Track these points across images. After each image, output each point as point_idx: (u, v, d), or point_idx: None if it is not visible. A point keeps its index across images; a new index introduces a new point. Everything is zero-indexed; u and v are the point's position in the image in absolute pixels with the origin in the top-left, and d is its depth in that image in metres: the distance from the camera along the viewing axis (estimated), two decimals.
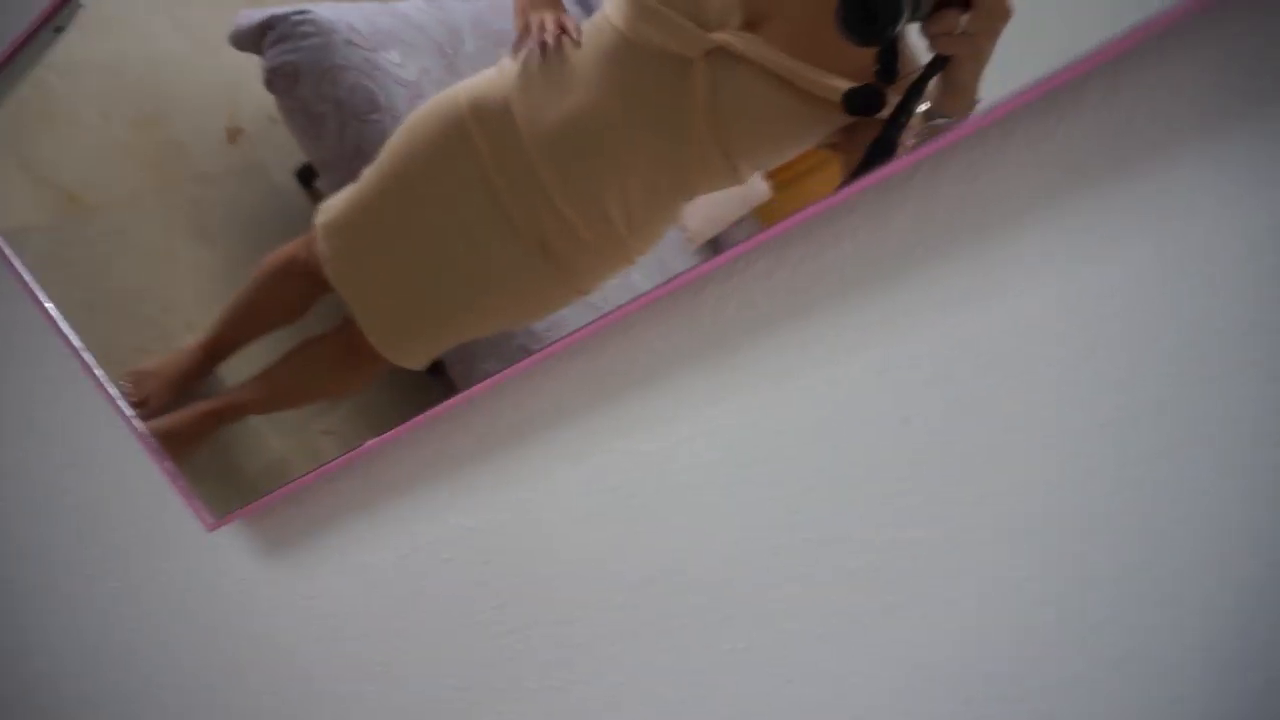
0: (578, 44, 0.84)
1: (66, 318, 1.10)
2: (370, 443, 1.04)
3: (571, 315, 0.95)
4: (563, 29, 0.84)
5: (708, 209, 1.11)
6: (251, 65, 1.00)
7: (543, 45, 0.84)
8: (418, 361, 1.03)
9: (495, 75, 0.90)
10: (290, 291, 1.07)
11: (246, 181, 1.07)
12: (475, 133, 0.90)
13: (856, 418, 0.86)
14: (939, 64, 0.68)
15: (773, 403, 0.89)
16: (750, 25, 0.77)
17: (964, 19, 0.65)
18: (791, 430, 0.89)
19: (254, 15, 0.96)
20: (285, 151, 1.13)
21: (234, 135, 1.07)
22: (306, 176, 1.15)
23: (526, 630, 1.09)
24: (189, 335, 1.09)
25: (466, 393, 0.98)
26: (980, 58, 0.67)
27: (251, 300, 1.08)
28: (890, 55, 0.69)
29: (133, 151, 1.04)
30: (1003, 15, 0.66)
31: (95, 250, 1.04)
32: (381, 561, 1.15)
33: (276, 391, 1.09)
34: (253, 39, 0.97)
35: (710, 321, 0.90)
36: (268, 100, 1.01)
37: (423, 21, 1.08)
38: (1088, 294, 0.76)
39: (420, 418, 1.01)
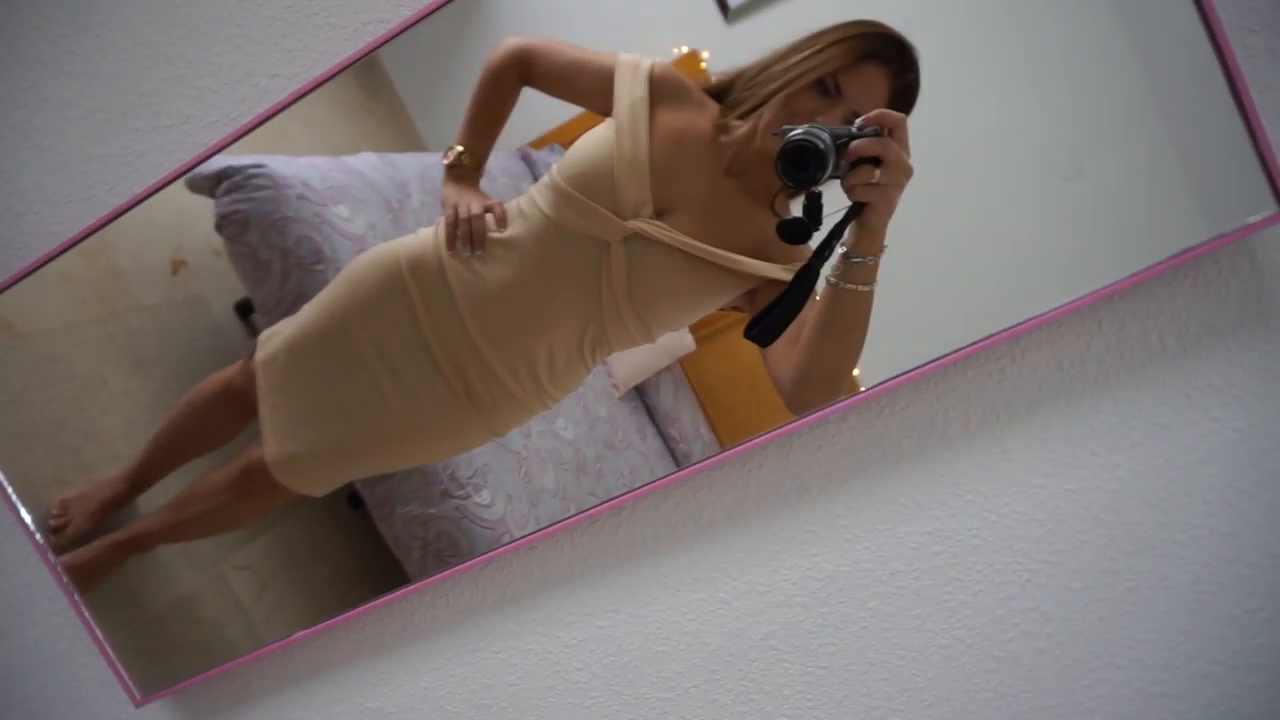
0: (502, 225, 0.96)
1: None
2: (298, 634, 1.07)
3: (512, 518, 1.03)
4: (488, 210, 0.96)
5: (634, 359, 1.17)
6: (201, 202, 1.04)
7: (469, 242, 0.96)
8: (318, 489, 1.07)
9: (432, 236, 0.99)
10: (220, 417, 1.10)
11: (185, 312, 1.10)
12: (412, 288, 0.99)
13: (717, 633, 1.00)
14: (856, 210, 0.82)
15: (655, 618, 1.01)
16: (660, 213, 0.92)
17: (877, 173, 0.80)
18: (668, 640, 0.99)
19: (212, 165, 1.01)
20: (226, 285, 1.16)
21: (177, 267, 1.10)
22: (246, 310, 1.18)
23: None
24: (113, 466, 1.08)
25: (398, 592, 1.04)
26: (890, 205, 0.82)
27: (180, 425, 1.10)
28: (816, 202, 0.82)
29: (75, 280, 1.06)
30: (906, 172, 0.82)
31: (24, 377, 1.04)
32: None
33: (180, 520, 1.11)
34: (208, 184, 1.02)
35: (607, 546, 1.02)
36: (213, 236, 1.05)
37: (374, 178, 1.15)
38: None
39: (363, 608, 1.06)
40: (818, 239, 0.83)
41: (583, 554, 1.03)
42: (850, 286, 0.85)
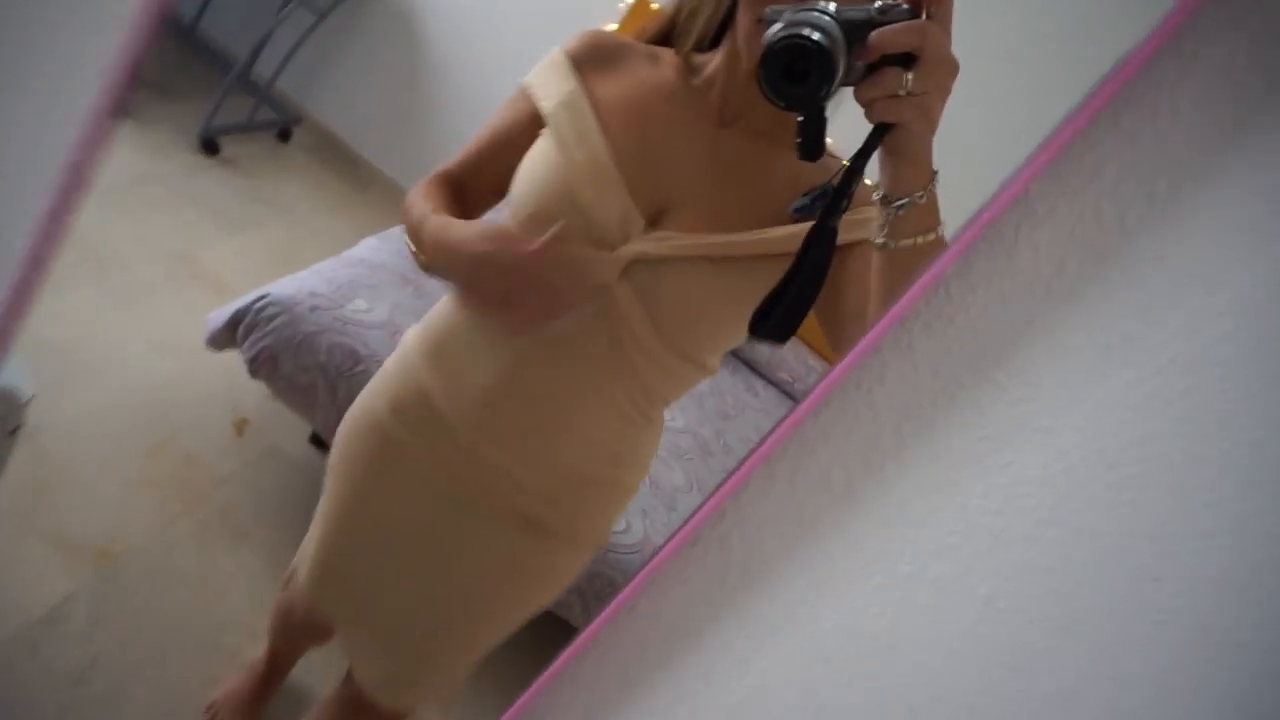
0: None
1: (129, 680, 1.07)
2: None
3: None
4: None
5: None
6: (234, 360, 1.01)
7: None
8: (426, 700, 0.89)
9: (398, 369, 0.77)
10: (302, 636, 0.98)
11: (264, 467, 1.07)
12: (403, 437, 0.75)
13: None
14: (880, 134, 0.56)
15: None
16: (655, 220, 0.66)
17: (909, 77, 0.53)
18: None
19: (221, 314, 0.98)
20: (291, 424, 1.14)
21: (241, 427, 1.08)
22: (320, 441, 1.14)
23: None
24: (254, 643, 1.06)
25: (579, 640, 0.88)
26: (932, 123, 0.55)
27: (275, 644, 1.00)
28: (816, 126, 0.58)
29: (148, 483, 1.05)
30: (952, 70, 0.55)
31: (137, 596, 1.03)
32: None
33: None
34: (226, 336, 0.98)
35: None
36: (261, 383, 1.02)
37: (380, 259, 1.10)
38: None
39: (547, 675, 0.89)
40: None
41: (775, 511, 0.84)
42: (907, 242, 0.58)
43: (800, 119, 0.57)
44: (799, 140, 0.58)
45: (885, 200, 0.57)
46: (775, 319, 0.63)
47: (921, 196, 0.57)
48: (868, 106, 0.54)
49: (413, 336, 0.76)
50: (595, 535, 0.81)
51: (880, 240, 0.58)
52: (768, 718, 0.85)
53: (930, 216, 0.58)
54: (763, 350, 1.44)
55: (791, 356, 1.43)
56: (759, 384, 1.42)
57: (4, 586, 0.96)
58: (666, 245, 0.66)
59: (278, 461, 1.06)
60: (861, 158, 0.57)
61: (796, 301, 0.62)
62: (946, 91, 0.55)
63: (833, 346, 0.71)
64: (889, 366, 0.69)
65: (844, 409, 0.70)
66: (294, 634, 0.97)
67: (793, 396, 1.23)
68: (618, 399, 0.71)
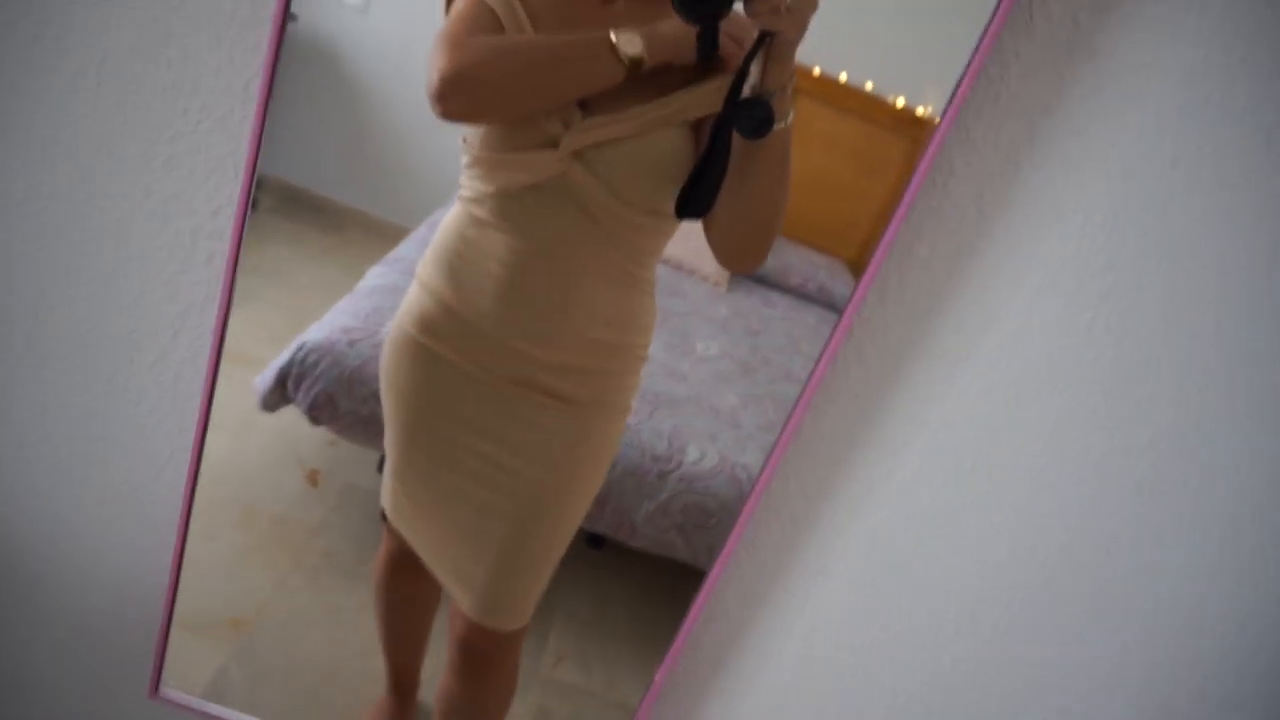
0: None
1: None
2: (659, 673, 1.00)
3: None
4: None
5: (708, 252, 1.12)
6: (282, 416, 1.04)
7: None
8: (526, 613, 1.00)
9: (418, 291, 0.92)
10: (410, 589, 1.07)
11: (348, 506, 1.12)
12: (434, 345, 0.92)
13: None
14: (764, 39, 0.72)
15: None
16: (586, 106, 0.81)
17: None
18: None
19: (266, 377, 1.01)
20: (358, 458, 1.17)
21: (313, 478, 1.12)
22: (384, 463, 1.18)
23: None
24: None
25: (712, 573, 0.95)
26: (802, 31, 0.72)
27: (389, 617, 1.09)
28: (711, 35, 0.74)
29: (249, 552, 1.09)
30: None
31: (281, 652, 1.08)
32: None
33: None
34: (277, 395, 1.01)
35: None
36: (315, 431, 1.05)
37: (391, 282, 1.13)
38: None
39: (696, 606, 0.96)
40: None
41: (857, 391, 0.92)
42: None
43: (699, 30, 0.74)
44: (698, 46, 0.75)
45: (756, 92, 0.73)
46: (694, 195, 0.80)
47: (785, 90, 0.74)
48: (755, 17, 0.71)
49: (423, 264, 0.92)
50: (621, 401, 0.95)
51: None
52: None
53: (786, 107, 0.75)
54: (768, 264, 1.47)
55: (797, 260, 1.47)
56: (774, 295, 1.46)
57: (169, 672, 1.01)
58: (599, 128, 0.80)
59: (357, 496, 1.10)
60: (749, 58, 0.73)
61: (710, 178, 0.78)
62: (815, 7, 0.71)
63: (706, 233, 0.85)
64: (955, 158, 0.80)
65: (928, 205, 0.81)
66: (398, 585, 1.05)
67: (808, 297, 1.26)
68: (608, 267, 0.87)
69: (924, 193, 0.81)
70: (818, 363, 0.85)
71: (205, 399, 0.93)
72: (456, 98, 0.79)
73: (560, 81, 0.80)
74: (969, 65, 0.73)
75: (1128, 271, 0.82)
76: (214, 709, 1.07)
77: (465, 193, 0.88)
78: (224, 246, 0.91)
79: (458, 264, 0.89)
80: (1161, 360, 0.85)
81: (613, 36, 0.76)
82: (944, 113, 0.75)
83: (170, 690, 1.08)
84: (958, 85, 0.74)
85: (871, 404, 0.90)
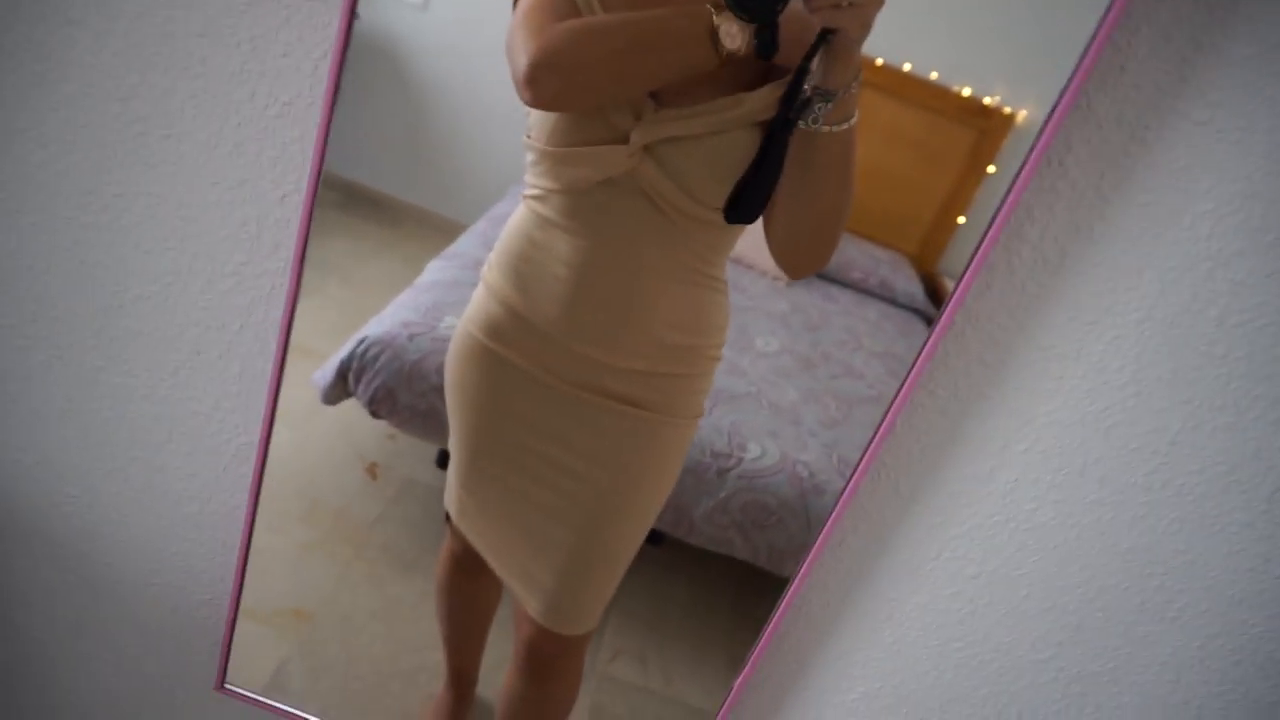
0: None
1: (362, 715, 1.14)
2: (740, 679, 0.97)
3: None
4: None
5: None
6: (343, 410, 1.06)
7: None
8: (594, 618, 0.99)
9: (484, 295, 0.91)
10: (471, 589, 1.07)
11: (407, 500, 1.12)
12: (500, 350, 0.91)
13: None
14: (824, 38, 0.70)
15: None
16: (657, 99, 0.78)
17: None
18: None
19: (327, 371, 1.02)
20: (418, 453, 1.18)
21: (373, 471, 1.13)
22: (444, 459, 1.19)
23: None
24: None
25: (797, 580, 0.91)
26: (866, 28, 0.69)
27: (449, 615, 1.09)
28: (771, 33, 0.71)
29: (313, 545, 1.11)
30: None
31: (342, 644, 1.09)
32: None
33: None
34: (339, 389, 1.03)
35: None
36: (375, 425, 1.06)
37: (450, 276, 1.13)
38: None
39: (779, 612, 0.92)
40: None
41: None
42: (827, 129, 0.73)
43: (757, 27, 0.70)
44: (756, 43, 0.71)
45: (819, 93, 0.71)
46: (745, 200, 0.78)
47: (850, 89, 0.71)
48: (816, 14, 0.68)
49: (489, 267, 0.91)
50: (691, 406, 0.92)
51: (803, 123, 0.73)
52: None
53: (850, 108, 0.72)
54: (831, 260, 1.45)
55: (858, 254, 1.45)
56: (835, 290, 1.44)
57: (232, 666, 1.03)
58: (668, 124, 0.78)
59: (417, 490, 1.11)
60: (809, 57, 0.71)
61: (763, 183, 0.77)
62: (880, 4, 0.67)
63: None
64: (1073, 134, 0.73)
65: (1041, 185, 0.76)
66: (460, 585, 1.05)
67: (869, 292, 1.23)
68: (677, 265, 0.84)
69: (1039, 173, 0.75)
70: (918, 355, 0.81)
71: (272, 393, 0.94)
72: (550, 81, 0.76)
73: (655, 63, 0.77)
74: (1095, 32, 0.67)
75: (1264, 258, 0.75)
76: (276, 703, 1.09)
77: (530, 192, 0.86)
78: (290, 235, 0.90)
79: (524, 267, 0.88)
80: None
81: (715, 19, 0.72)
82: (1066, 85, 0.69)
83: (234, 685, 1.10)
84: (1082, 56, 0.68)
85: (973, 399, 0.85)
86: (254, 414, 1.00)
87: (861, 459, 0.86)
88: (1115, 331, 0.79)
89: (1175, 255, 0.76)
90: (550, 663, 1.03)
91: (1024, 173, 0.72)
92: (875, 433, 0.84)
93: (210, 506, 1.06)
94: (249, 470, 1.00)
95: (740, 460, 0.97)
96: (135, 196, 0.90)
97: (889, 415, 0.83)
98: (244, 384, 0.99)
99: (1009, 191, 0.73)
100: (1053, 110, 0.70)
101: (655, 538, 1.05)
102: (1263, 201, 0.73)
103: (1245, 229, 0.74)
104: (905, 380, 0.82)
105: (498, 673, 1.08)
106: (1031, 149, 0.71)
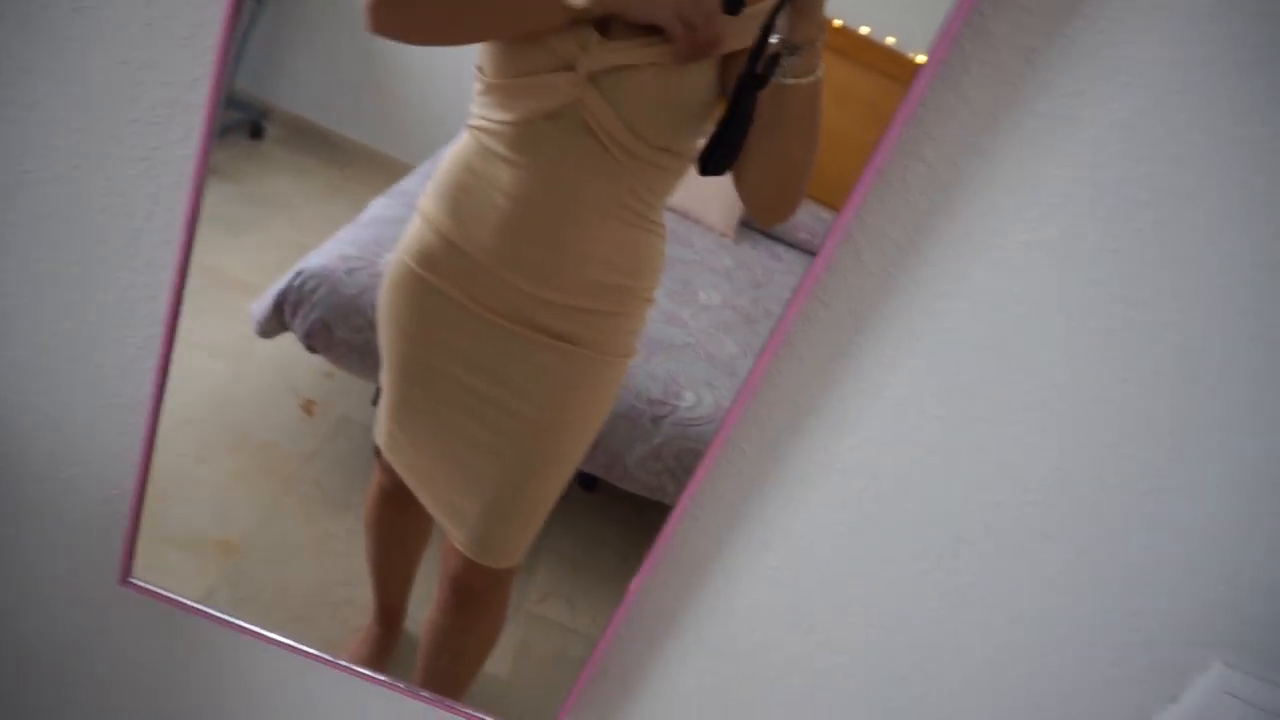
0: None
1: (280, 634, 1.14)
2: (632, 587, 0.99)
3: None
4: None
5: (717, 202, 1.10)
6: (282, 346, 1.04)
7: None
8: (519, 553, 1.00)
9: (420, 224, 0.92)
10: (401, 522, 1.07)
11: (341, 438, 1.12)
12: (433, 280, 0.91)
13: None
14: None
15: None
16: (603, 27, 0.79)
17: None
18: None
19: (263, 303, 1.00)
20: (355, 391, 1.17)
21: (309, 408, 1.12)
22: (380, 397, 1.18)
23: None
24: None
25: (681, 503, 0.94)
26: None
27: (378, 550, 1.09)
28: None
29: (242, 476, 1.10)
30: None
31: (269, 575, 1.09)
32: None
33: (450, 683, 1.07)
34: (274, 322, 1.01)
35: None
36: (314, 362, 1.05)
37: (394, 214, 1.12)
38: None
39: (665, 532, 0.95)
40: None
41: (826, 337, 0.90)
42: (791, 81, 0.75)
43: None
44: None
45: (785, 46, 0.73)
46: (717, 155, 0.79)
47: (815, 44, 0.73)
48: None
49: (425, 196, 0.91)
50: (623, 344, 0.94)
51: (786, 80, 0.74)
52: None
53: (814, 62, 0.75)
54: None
55: (806, 216, 1.46)
56: (780, 249, 1.45)
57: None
58: (615, 53, 0.79)
59: (352, 429, 1.10)
60: (775, 11, 0.73)
61: (734, 136, 0.78)
62: None
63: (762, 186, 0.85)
64: (970, 57, 0.75)
65: (939, 105, 0.78)
66: (389, 517, 1.05)
67: (814, 252, 1.25)
68: (616, 204, 0.85)
69: (935, 90, 0.76)
70: (810, 267, 0.83)
71: (177, 283, 0.90)
72: (386, 14, 0.79)
73: (493, 17, 0.80)
74: None
75: (1140, 186, 0.77)
76: (180, 598, 1.07)
77: (476, 122, 0.86)
78: (199, 120, 0.86)
79: (462, 196, 0.88)
80: (1178, 286, 0.80)
81: None
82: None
83: (138, 579, 1.08)
84: None
85: (865, 313, 0.87)
86: (159, 305, 0.97)
87: (755, 365, 0.88)
88: (1001, 253, 0.82)
89: (1061, 180, 0.79)
90: (476, 596, 1.04)
91: (915, 92, 0.73)
92: (768, 341, 0.87)
93: (118, 399, 1.04)
94: (155, 362, 0.97)
95: (675, 408, 0.98)
96: (41, 74, 0.87)
97: (782, 325, 0.86)
98: (151, 274, 0.96)
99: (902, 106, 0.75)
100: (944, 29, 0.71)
101: (588, 482, 1.06)
102: (1151, 118, 0.75)
103: (1126, 156, 0.77)
104: (798, 289, 0.84)
105: (425, 608, 1.09)
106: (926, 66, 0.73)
